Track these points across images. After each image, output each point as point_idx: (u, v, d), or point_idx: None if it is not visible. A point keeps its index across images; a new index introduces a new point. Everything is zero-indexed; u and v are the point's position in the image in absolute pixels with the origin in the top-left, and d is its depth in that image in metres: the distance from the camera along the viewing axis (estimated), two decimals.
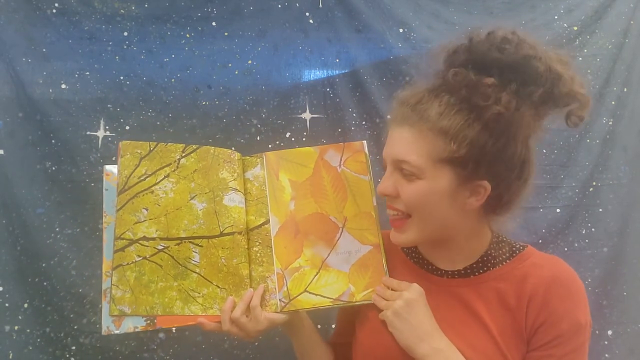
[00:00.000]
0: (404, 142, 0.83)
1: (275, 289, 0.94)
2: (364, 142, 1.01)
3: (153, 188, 0.95)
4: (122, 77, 1.44)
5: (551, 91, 0.82)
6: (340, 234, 0.97)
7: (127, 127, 1.44)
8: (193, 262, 0.94)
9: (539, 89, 0.81)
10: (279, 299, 0.94)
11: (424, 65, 1.53)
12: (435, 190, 0.82)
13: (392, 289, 0.91)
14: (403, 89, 0.90)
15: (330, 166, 1.00)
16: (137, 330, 0.90)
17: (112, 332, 0.89)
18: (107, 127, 1.43)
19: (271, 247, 0.97)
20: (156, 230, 0.93)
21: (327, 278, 0.95)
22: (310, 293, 0.94)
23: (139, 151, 0.96)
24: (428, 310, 0.86)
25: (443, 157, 0.81)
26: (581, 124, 0.86)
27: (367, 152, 1.01)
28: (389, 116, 0.92)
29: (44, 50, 1.42)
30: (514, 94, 0.80)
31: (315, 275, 0.95)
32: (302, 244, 0.97)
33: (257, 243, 0.98)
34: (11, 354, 1.35)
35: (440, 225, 0.87)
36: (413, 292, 0.87)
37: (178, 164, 0.98)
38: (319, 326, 1.38)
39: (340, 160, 1.01)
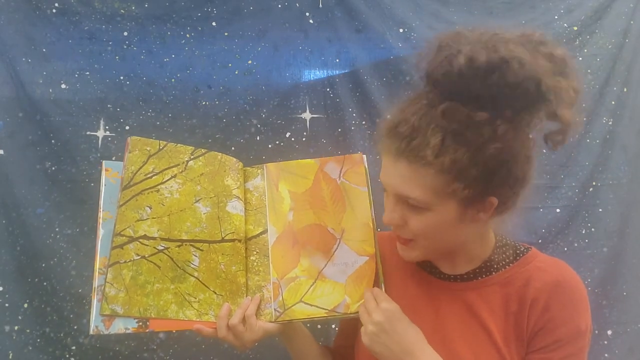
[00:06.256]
0: (405, 179, 0.78)
1: (270, 298, 0.94)
2: (364, 155, 1.01)
3: (159, 187, 0.94)
4: (122, 77, 1.44)
5: (547, 112, 0.75)
6: (338, 245, 0.96)
7: (127, 127, 1.44)
8: (192, 265, 0.92)
9: (535, 113, 0.75)
10: (274, 309, 0.93)
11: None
12: (444, 219, 0.80)
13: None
14: (386, 114, 0.84)
15: (330, 178, 1.00)
16: (127, 331, 0.86)
17: (101, 333, 0.85)
18: (107, 127, 1.43)
19: (268, 256, 0.96)
20: (158, 230, 0.92)
21: (323, 289, 0.94)
22: (305, 303, 0.93)
23: (148, 148, 0.95)
24: (406, 326, 0.84)
25: (448, 192, 0.77)
26: (560, 147, 0.80)
27: (366, 165, 1.00)
28: (377, 139, 0.84)
29: (44, 50, 1.42)
30: (510, 122, 0.74)
31: (311, 286, 0.94)
32: (299, 254, 0.96)
33: (255, 252, 0.97)
34: (11, 354, 1.35)
35: (449, 244, 0.86)
36: (382, 314, 0.84)
37: (186, 165, 0.97)
38: (318, 326, 1.38)
39: (340, 172, 1.00)
